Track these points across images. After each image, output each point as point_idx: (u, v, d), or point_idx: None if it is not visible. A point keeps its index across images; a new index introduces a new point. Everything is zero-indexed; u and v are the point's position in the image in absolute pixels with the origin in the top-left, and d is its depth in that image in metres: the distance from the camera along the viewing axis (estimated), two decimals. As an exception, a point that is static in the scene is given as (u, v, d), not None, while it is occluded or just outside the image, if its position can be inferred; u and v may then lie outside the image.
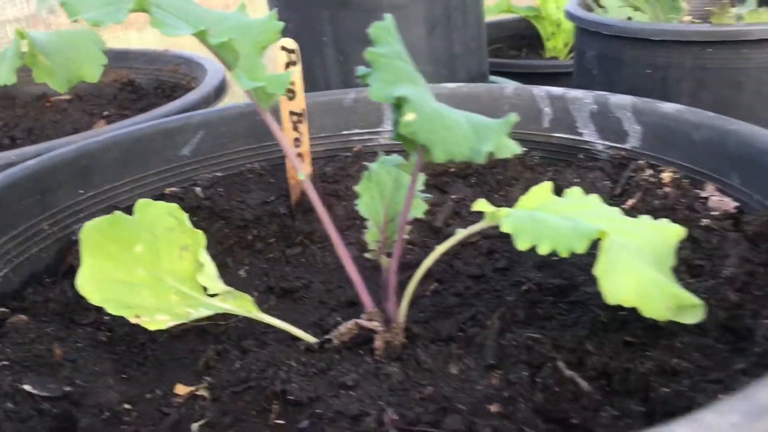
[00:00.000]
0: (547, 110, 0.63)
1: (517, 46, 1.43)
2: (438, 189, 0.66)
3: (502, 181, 0.63)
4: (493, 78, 0.69)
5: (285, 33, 0.93)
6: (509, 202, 0.60)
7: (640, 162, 0.57)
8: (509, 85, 0.65)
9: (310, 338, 0.47)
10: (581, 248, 0.36)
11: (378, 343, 0.45)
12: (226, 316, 0.52)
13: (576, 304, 0.46)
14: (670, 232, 0.42)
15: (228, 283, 0.46)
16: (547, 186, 0.45)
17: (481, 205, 0.42)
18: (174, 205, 0.45)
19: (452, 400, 0.39)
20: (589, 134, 0.61)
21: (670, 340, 0.39)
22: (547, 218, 0.39)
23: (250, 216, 0.61)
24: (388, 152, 0.69)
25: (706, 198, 0.51)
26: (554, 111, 0.63)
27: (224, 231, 0.61)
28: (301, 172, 0.46)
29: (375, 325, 0.45)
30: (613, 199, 0.55)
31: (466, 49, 0.90)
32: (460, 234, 0.45)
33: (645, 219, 0.43)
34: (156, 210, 0.44)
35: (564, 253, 0.37)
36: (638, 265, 0.37)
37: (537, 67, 1.14)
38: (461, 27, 0.88)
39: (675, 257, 0.43)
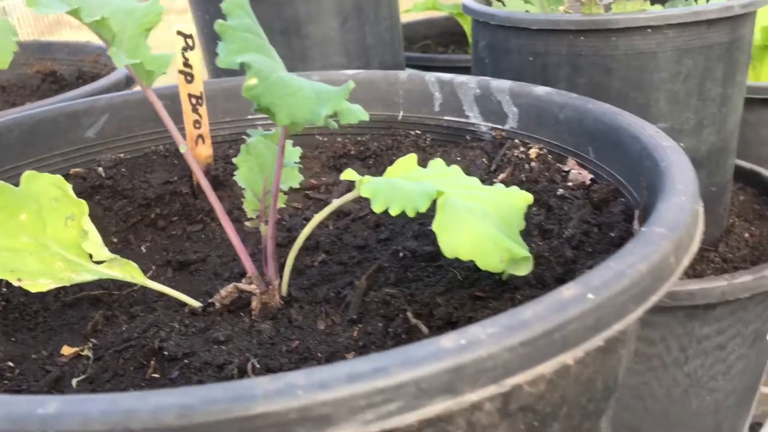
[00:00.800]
0: (438, 95, 0.67)
1: (444, 43, 1.48)
2: (337, 170, 0.69)
3: (395, 161, 0.67)
4: (416, 72, 0.73)
5: (204, 24, 0.95)
6: (400, 180, 0.64)
7: (515, 141, 0.61)
8: (404, 72, 0.69)
9: (195, 303, 0.50)
10: (424, 207, 0.40)
11: (254, 304, 0.48)
12: (121, 286, 0.55)
13: (441, 268, 0.50)
14: (518, 198, 0.46)
15: (129, 258, 0.49)
16: (412, 157, 0.49)
17: (348, 174, 0.46)
18: (59, 177, 0.47)
19: (314, 351, 0.43)
20: (474, 117, 0.65)
21: (512, 293, 0.43)
22: (402, 184, 0.43)
23: (153, 195, 0.64)
24: (291, 135, 0.73)
25: (567, 171, 0.55)
26: (444, 95, 0.67)
27: (127, 209, 0.63)
28: (182, 145, 0.49)
29: (253, 287, 0.48)
30: (488, 174, 0.59)
31: (379, 41, 0.94)
32: (335, 203, 0.49)
33: (497, 187, 0.47)
34: (41, 181, 0.47)
35: (411, 213, 0.40)
36: (477, 222, 0.41)
37: (458, 61, 1.19)
38: (373, 20, 0.92)
39: (525, 221, 0.47)
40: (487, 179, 0.58)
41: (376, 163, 0.69)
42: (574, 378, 0.33)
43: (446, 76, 0.67)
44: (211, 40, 0.94)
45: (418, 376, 0.25)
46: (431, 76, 0.67)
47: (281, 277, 0.50)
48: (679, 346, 0.67)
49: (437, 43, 1.47)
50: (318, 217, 0.50)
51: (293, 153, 0.51)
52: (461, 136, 0.67)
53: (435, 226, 0.40)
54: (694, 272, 0.68)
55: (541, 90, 0.60)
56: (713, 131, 0.67)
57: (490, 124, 0.64)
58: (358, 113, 0.39)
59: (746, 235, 0.74)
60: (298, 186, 0.52)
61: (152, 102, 0.49)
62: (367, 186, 0.43)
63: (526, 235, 0.50)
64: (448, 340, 0.26)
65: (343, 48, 0.91)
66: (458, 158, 0.62)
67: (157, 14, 0.51)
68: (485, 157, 0.61)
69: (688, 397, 0.69)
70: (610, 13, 0.61)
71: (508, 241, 0.42)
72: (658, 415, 0.70)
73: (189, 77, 0.62)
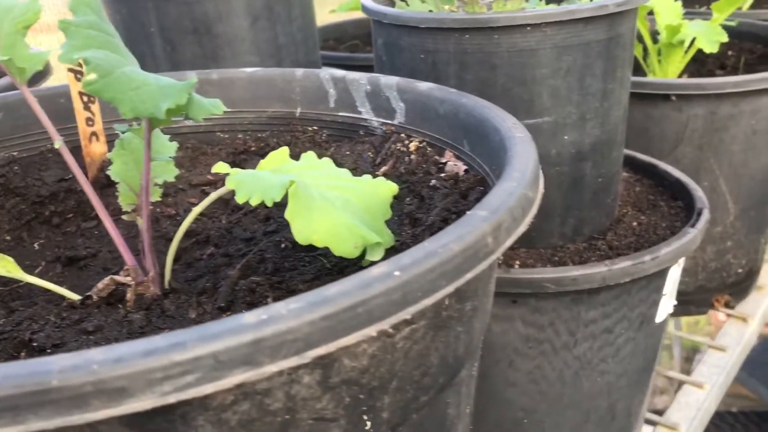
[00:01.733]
0: (332, 91, 0.69)
1: (372, 43, 1.50)
2: (237, 165, 0.71)
3: (292, 156, 0.68)
4: (311, 70, 0.74)
5: (115, 24, 0.95)
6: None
7: (401, 135, 0.63)
8: (300, 70, 0.71)
9: (74, 296, 0.51)
10: (278, 196, 0.42)
11: (129, 295, 0.49)
12: (6, 282, 0.55)
13: (317, 257, 0.52)
14: (383, 189, 0.48)
15: (20, 255, 0.49)
16: (283, 151, 0.51)
17: (219, 167, 0.48)
18: (-70, 173, 0.47)
19: (181, 338, 0.44)
20: (366, 112, 0.67)
21: (373, 279, 0.45)
22: (265, 176, 0.45)
23: (47, 192, 0.64)
24: (191, 133, 0.74)
25: (444, 163, 0.57)
26: (338, 92, 0.69)
27: (20, 207, 0.64)
28: (57, 140, 0.50)
29: (128, 279, 0.50)
30: (373, 167, 0.61)
31: (291, 41, 0.95)
32: (212, 196, 0.50)
33: (365, 178, 0.49)
34: None
35: (269, 203, 0.42)
36: (331, 209, 0.43)
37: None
38: (285, 20, 0.93)
39: (396, 210, 0.49)
40: (372, 171, 0.60)
41: (274, 158, 0.70)
42: (403, 353, 0.35)
43: (340, 73, 0.69)
44: (125, 40, 0.94)
45: (216, 350, 0.27)
46: (326, 74, 0.69)
47: (165, 269, 0.52)
48: (567, 330, 0.70)
49: (365, 43, 1.49)
50: (197, 210, 0.51)
51: (169, 147, 0.52)
52: (355, 131, 0.68)
53: (287, 214, 0.41)
54: (580, 259, 0.71)
55: (424, 86, 0.62)
56: (596, 125, 0.70)
57: (381, 119, 0.66)
58: (209, 107, 0.41)
59: (635, 223, 0.77)
60: (173, 180, 0.54)
61: (27, 98, 0.50)
62: (233, 178, 0.45)
63: (398, 224, 0.52)
64: (252, 315, 0.28)
65: (254, 47, 0.92)
66: (348, 153, 0.64)
67: (35, 12, 0.51)
68: (372, 151, 0.63)
69: (580, 379, 0.73)
70: (491, 12, 0.64)
71: (364, 229, 0.44)
72: (552, 397, 0.73)
73: (79, 75, 0.62)
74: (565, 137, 0.69)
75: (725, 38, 1.03)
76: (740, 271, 1.14)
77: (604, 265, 0.67)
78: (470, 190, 0.52)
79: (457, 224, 0.35)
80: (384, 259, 0.39)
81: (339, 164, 0.63)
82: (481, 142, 0.54)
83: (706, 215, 0.77)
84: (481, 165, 0.54)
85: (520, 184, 0.39)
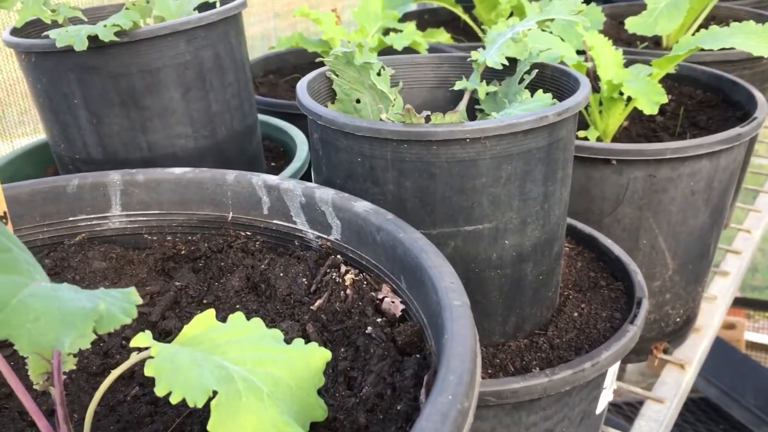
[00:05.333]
0: (266, 199, 0.66)
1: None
2: (166, 274, 0.67)
3: (224, 267, 0.65)
4: (243, 174, 0.70)
5: (36, 93, 0.90)
6: (226, 291, 0.63)
7: (338, 257, 0.61)
8: (231, 173, 0.67)
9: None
10: (200, 402, 0.39)
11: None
12: None
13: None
14: (315, 358, 0.46)
15: None
16: (209, 314, 0.48)
17: (139, 340, 0.44)
18: None
19: None
20: (301, 223, 0.64)
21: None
22: (187, 364, 0.42)
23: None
24: (117, 236, 0.70)
25: (381, 299, 0.55)
26: (271, 200, 0.66)
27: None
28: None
29: (42, 458, 0.46)
30: (308, 296, 0.59)
31: (226, 108, 0.91)
32: (123, 366, 0.47)
33: (295, 345, 0.47)
34: None
35: (190, 403, 0.39)
36: (260, 407, 0.41)
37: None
38: (218, 87, 0.89)
39: (331, 365, 0.48)
40: (307, 302, 0.58)
41: (205, 266, 0.67)
42: None
43: (273, 180, 0.66)
44: (47, 110, 0.89)
45: None
46: (258, 180, 0.66)
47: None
48: (508, 434, 0.69)
49: (307, 72, 1.45)
50: (103, 387, 0.47)
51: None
52: (290, 241, 0.66)
53: (210, 427, 0.39)
54: (521, 362, 0.71)
55: (360, 207, 0.59)
56: (537, 227, 0.69)
57: (316, 233, 0.64)
58: (120, 317, 0.37)
59: (575, 314, 0.77)
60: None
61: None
62: (152, 364, 0.41)
63: (333, 380, 0.50)
64: None
65: (186, 117, 0.88)
66: (281, 274, 0.61)
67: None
68: (307, 276, 0.60)
69: (521, 477, 0.72)
70: (430, 125, 0.62)
71: (292, 425, 0.41)
72: (494, 496, 0.73)
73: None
74: (506, 242, 0.68)
75: (665, 99, 1.03)
76: (678, 320, 1.16)
77: (544, 375, 0.66)
78: (410, 345, 0.50)
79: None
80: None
81: (272, 287, 0.61)
82: (417, 288, 0.52)
83: (645, 306, 0.77)
84: (419, 310, 0.52)
85: (455, 398, 0.37)
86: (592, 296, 0.82)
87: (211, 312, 0.48)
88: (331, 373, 0.50)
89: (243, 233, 0.67)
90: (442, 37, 1.61)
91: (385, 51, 1.30)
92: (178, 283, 0.65)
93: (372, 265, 0.59)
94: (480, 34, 1.65)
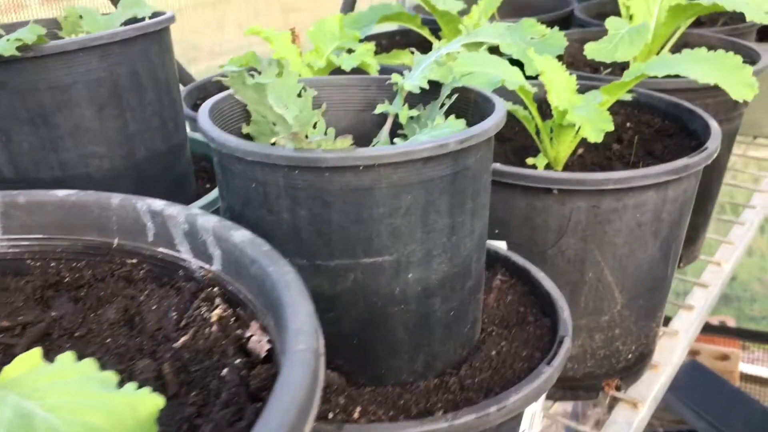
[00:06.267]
0: (150, 225, 0.62)
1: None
2: (44, 303, 0.63)
3: (103, 297, 0.61)
4: (128, 198, 0.66)
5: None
6: (100, 323, 0.59)
7: (214, 290, 0.57)
8: (117, 196, 0.63)
9: None
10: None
11: None
12: None
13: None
14: (145, 405, 0.42)
15: None
16: (35, 354, 0.43)
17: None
18: None
19: None
20: (185, 252, 0.60)
21: None
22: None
23: None
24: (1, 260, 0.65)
25: (248, 338, 0.51)
26: (156, 227, 0.62)
27: None
28: None
29: None
30: (176, 331, 0.55)
31: (146, 128, 0.87)
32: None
33: (126, 390, 0.42)
34: None
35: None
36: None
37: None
38: (137, 106, 0.86)
39: (177, 403, 0.43)
40: (173, 338, 0.54)
41: (86, 295, 0.63)
42: None
43: (158, 205, 0.62)
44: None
45: None
46: (143, 204, 0.62)
47: None
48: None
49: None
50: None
51: None
52: (175, 271, 0.62)
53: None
54: (426, 404, 0.66)
55: (238, 237, 0.55)
56: (444, 260, 0.65)
57: (200, 263, 0.60)
58: None
59: (493, 352, 0.72)
60: None
61: None
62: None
63: (176, 430, 0.46)
64: None
65: (100, 137, 0.84)
66: (155, 307, 0.57)
67: None
68: (178, 310, 0.56)
69: None
70: (321, 150, 0.58)
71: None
72: None
73: None
74: (410, 275, 0.64)
75: (611, 127, 0.99)
76: (630, 356, 1.11)
77: (445, 419, 0.62)
78: (262, 392, 0.46)
79: None
80: None
81: (143, 320, 0.57)
82: (279, 326, 0.48)
83: (567, 344, 0.72)
84: (279, 352, 0.48)
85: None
86: (517, 333, 0.77)
87: (37, 351, 0.44)
88: (178, 420, 0.46)
89: (129, 261, 0.63)
90: (407, 58, 1.58)
91: (336, 72, 1.27)
92: (54, 313, 0.61)
93: (248, 300, 0.54)
94: (445, 56, 1.62)
